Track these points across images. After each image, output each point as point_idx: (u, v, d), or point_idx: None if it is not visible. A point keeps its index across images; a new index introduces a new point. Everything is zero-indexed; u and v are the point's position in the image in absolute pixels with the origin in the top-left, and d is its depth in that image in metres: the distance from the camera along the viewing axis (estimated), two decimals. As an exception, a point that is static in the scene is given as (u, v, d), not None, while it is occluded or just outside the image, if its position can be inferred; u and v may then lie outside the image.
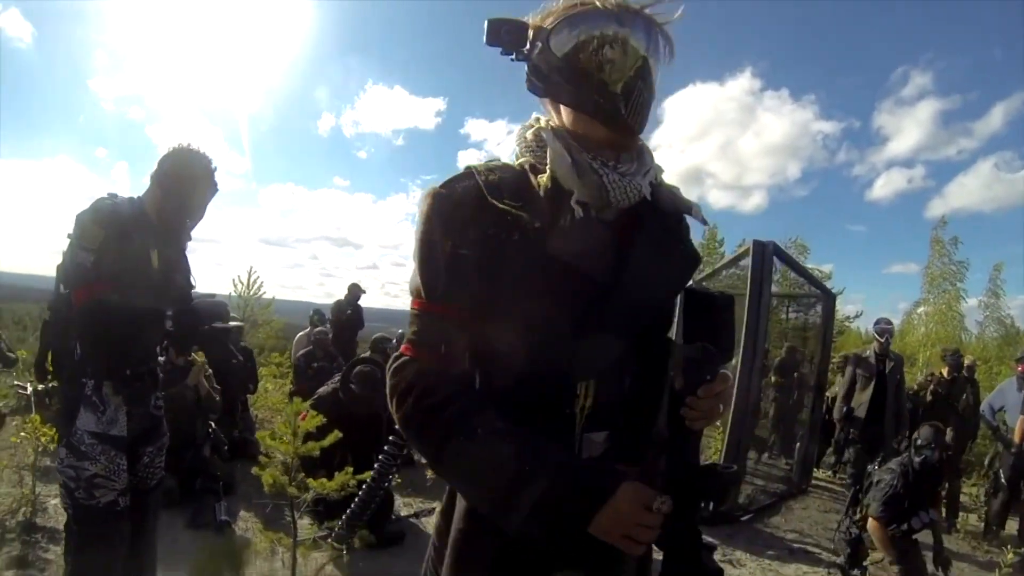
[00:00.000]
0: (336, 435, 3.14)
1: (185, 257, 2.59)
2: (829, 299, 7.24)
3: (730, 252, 17.47)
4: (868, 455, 5.33)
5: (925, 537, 4.00)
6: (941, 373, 6.55)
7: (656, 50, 1.06)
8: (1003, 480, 5.57)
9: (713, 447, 6.04)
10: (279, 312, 9.03)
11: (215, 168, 2.44)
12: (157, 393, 2.53)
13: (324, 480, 3.13)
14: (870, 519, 3.95)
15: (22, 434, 3.93)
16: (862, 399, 5.68)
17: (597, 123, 1.07)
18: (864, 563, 4.18)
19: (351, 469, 3.27)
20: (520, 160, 1.15)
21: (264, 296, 8.36)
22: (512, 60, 1.11)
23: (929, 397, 6.38)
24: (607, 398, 1.08)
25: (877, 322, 6.05)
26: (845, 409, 5.74)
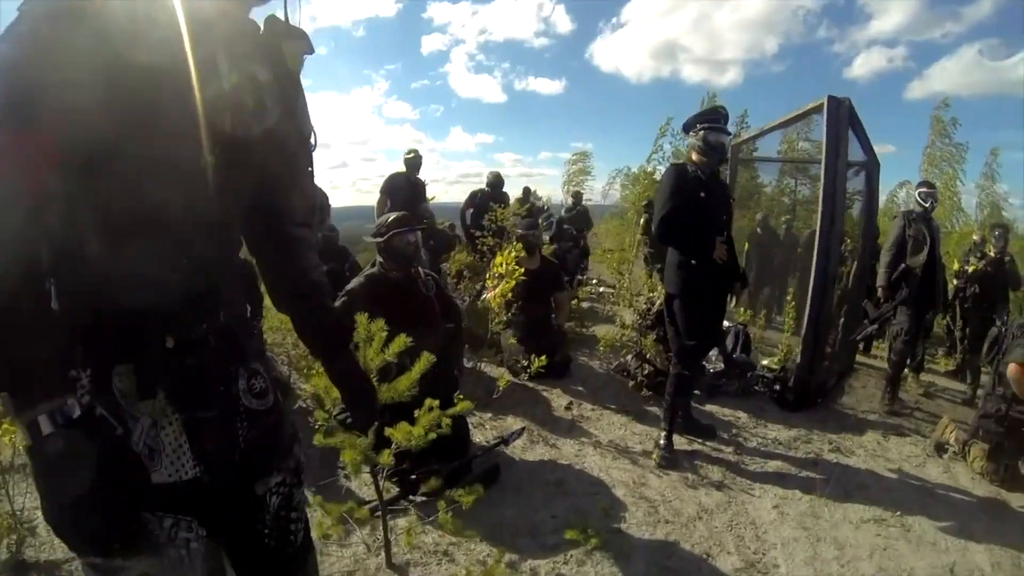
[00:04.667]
0: (429, 359, 2.36)
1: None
2: (875, 167, 6.58)
3: (731, 123, 16.93)
4: (919, 320, 5.10)
5: None
6: (988, 252, 6.24)
7: None
8: None
9: (786, 323, 5.56)
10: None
11: None
12: (252, 363, 1.28)
13: (406, 426, 2.39)
14: (1013, 365, 3.60)
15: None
16: (916, 262, 5.15)
17: None
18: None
19: (436, 403, 2.52)
20: None
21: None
22: None
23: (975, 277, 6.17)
24: None
25: (921, 185, 5.47)
26: (903, 267, 5.18)
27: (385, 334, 2.31)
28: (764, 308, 7.84)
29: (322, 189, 7.04)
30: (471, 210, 7.64)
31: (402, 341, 2.28)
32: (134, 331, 1.09)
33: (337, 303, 3.46)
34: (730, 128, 3.72)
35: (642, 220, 10.15)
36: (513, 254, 4.91)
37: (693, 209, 3.48)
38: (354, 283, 3.49)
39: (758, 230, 8.80)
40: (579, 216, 10.22)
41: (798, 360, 4.68)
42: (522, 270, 4.78)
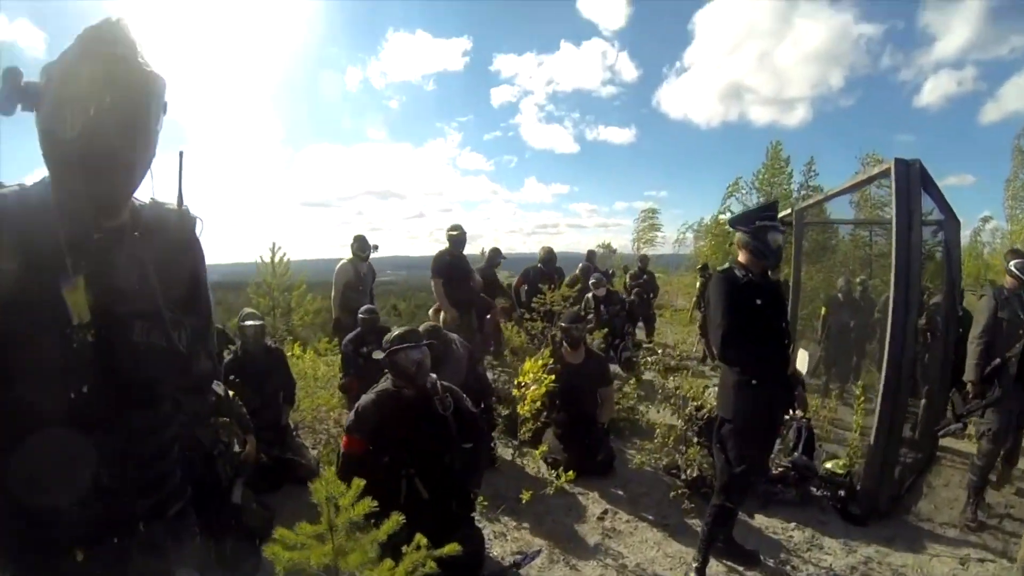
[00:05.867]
0: (397, 520, 2.15)
1: (171, 262, 1.26)
2: (953, 227, 5.85)
3: (798, 171, 15.90)
4: (1011, 419, 4.24)
5: None
6: None
7: None
8: None
9: (855, 422, 4.96)
10: (329, 272, 7.88)
11: (140, 57, 1.10)
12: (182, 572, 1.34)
13: (388, 567, 2.15)
14: None
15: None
16: (1014, 352, 4.40)
17: None
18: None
19: (424, 541, 2.26)
20: None
21: (291, 273, 7.50)
22: None
23: None
24: None
25: (1013, 255, 4.69)
26: (998, 362, 4.45)
27: (356, 492, 2.10)
28: (838, 383, 7.21)
29: (371, 267, 7.00)
30: (525, 287, 7.47)
31: (366, 505, 2.06)
32: (43, 544, 1.13)
33: (347, 420, 3.31)
34: (798, 176, 3.31)
35: (698, 283, 9.84)
36: (541, 362, 4.68)
37: (751, 320, 3.08)
38: (364, 400, 3.28)
39: (839, 295, 8.03)
40: (646, 284, 10.05)
41: (866, 465, 4.15)
42: (551, 379, 4.55)
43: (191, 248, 1.32)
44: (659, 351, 9.37)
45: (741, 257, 3.25)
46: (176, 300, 1.24)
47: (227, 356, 4.74)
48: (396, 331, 3.32)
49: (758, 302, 3.10)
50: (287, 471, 4.45)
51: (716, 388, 3.92)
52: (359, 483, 2.14)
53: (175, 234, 1.28)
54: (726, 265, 3.33)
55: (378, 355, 3.33)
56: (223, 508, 3.51)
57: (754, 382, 3.09)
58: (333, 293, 6.84)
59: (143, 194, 1.29)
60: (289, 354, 6.85)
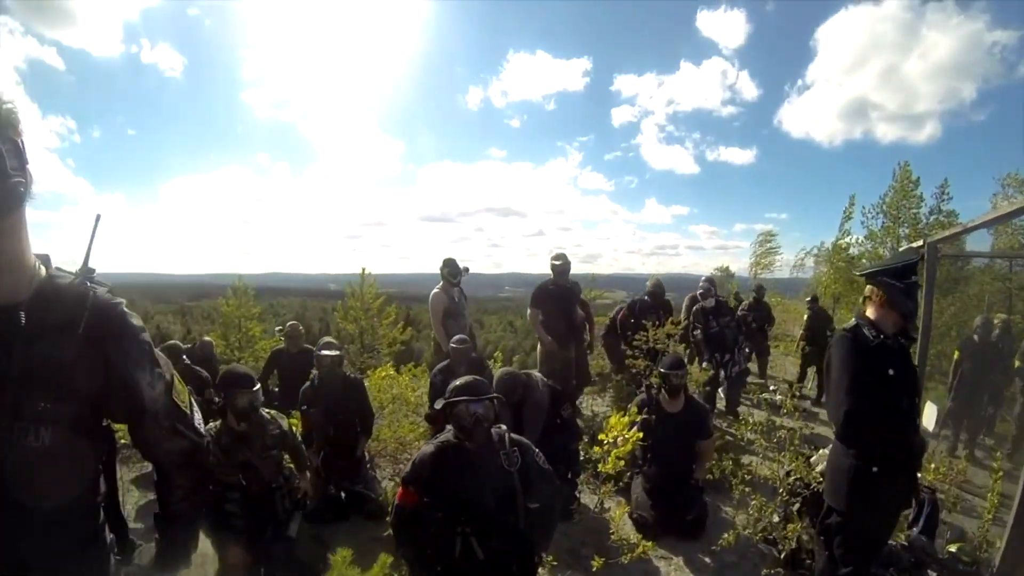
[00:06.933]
0: None
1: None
2: None
3: (928, 194, 14.34)
4: None
5: None
6: None
7: None
8: None
9: (990, 498, 4.21)
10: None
11: None
12: None
13: None
14: None
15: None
16: None
17: None
18: None
19: None
20: None
21: (380, 301, 7.54)
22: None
23: None
24: None
25: None
26: None
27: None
28: (969, 437, 6.37)
29: (462, 290, 6.82)
30: (632, 320, 7.09)
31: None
32: None
33: (405, 471, 3.13)
34: (930, 199, 2.83)
35: (805, 316, 9.19)
36: (627, 418, 4.32)
37: (880, 393, 2.58)
38: (423, 451, 3.05)
39: (975, 337, 6.94)
40: (761, 316, 9.55)
41: (998, 556, 3.50)
42: (639, 435, 4.22)
43: (98, 326, 1.17)
44: (771, 387, 8.78)
45: (873, 312, 2.75)
46: (86, 386, 1.16)
47: (305, 384, 4.74)
48: (460, 381, 3.10)
49: (891, 372, 2.60)
50: (356, 503, 4.43)
51: (821, 454, 3.45)
52: (385, 559, 1.98)
53: (71, 312, 1.14)
54: (852, 322, 2.81)
55: (438, 404, 3.12)
56: (277, 540, 3.50)
57: (875, 469, 2.60)
58: (433, 322, 6.66)
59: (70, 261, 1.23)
60: (383, 375, 6.86)
